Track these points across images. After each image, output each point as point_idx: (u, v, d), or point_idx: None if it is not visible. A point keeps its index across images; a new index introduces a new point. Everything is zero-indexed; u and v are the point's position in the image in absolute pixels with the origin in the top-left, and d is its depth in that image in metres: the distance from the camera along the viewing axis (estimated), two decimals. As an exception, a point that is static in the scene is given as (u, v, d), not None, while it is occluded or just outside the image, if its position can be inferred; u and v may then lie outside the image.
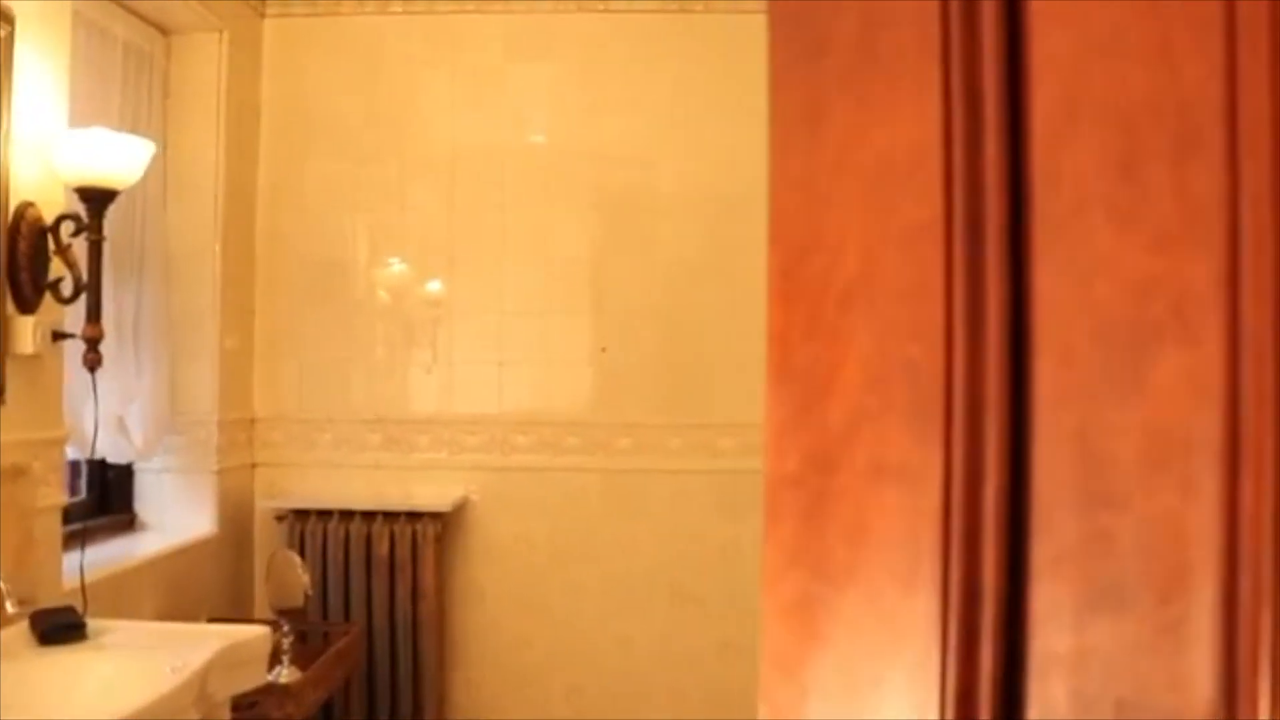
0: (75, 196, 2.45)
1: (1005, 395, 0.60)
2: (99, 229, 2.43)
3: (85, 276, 2.43)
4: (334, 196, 3.80)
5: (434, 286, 3.81)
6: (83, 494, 3.32)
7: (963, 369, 0.60)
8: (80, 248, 2.44)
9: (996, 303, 0.60)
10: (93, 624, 2.20)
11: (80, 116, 2.60)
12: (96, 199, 2.41)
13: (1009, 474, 0.59)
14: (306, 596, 3.00)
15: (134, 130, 3.21)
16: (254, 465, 3.81)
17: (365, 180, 3.79)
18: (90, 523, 3.18)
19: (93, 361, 2.43)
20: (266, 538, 3.71)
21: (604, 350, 3.73)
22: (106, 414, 3.10)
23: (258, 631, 2.31)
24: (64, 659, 2.07)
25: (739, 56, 3.65)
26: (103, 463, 3.29)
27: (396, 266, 3.84)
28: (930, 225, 0.61)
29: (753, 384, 3.44)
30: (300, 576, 2.98)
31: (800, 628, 0.62)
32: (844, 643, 0.62)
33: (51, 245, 2.39)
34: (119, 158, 2.39)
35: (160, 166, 3.39)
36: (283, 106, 3.83)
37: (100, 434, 3.03)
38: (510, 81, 3.81)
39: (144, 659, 2.07)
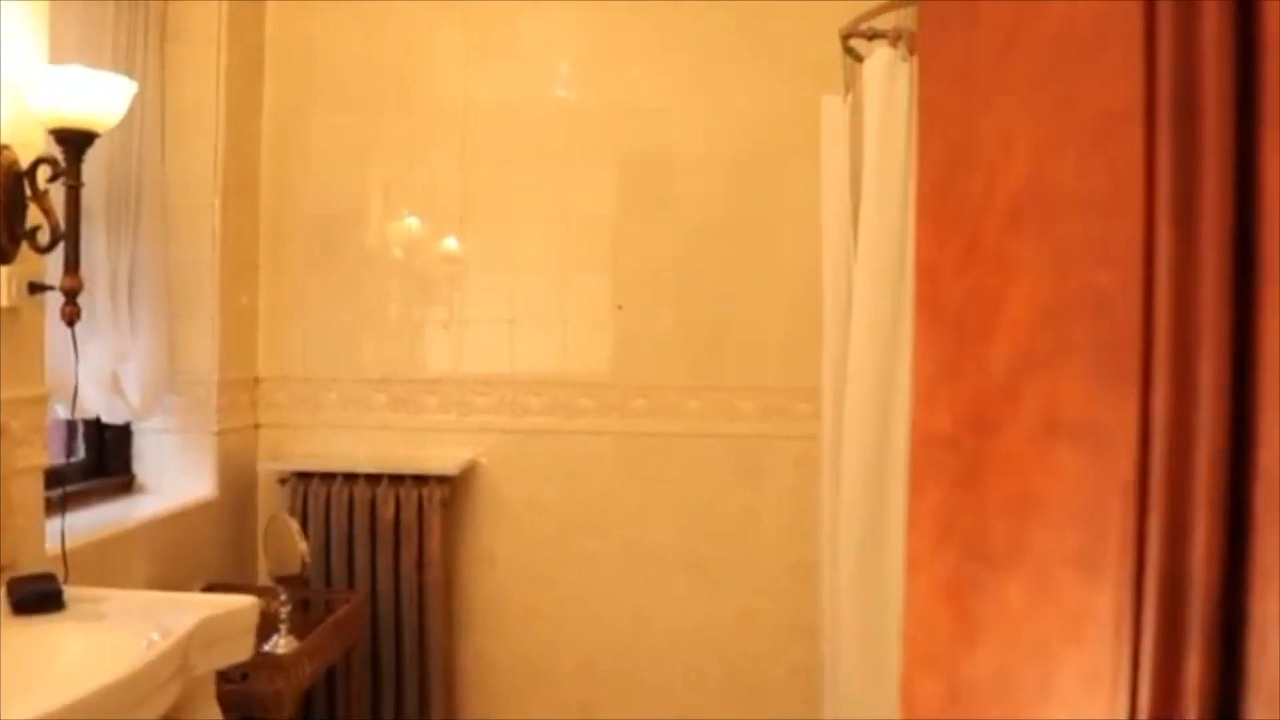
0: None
1: (1226, 331, 0.45)
2: (77, 174, 2.27)
3: (63, 225, 2.28)
4: (341, 149, 3.66)
5: (449, 243, 3.69)
6: (80, 454, 3.20)
7: (1168, 298, 0.46)
8: (59, 194, 2.29)
9: (1215, 212, 0.45)
10: (71, 592, 2.07)
11: (69, 60, 2.44)
12: (74, 141, 2.25)
13: (1229, 433, 0.45)
14: (304, 564, 2.88)
15: (129, 76, 3.07)
16: (257, 426, 3.70)
17: (374, 133, 3.66)
18: (85, 485, 3.06)
19: (70, 314, 2.29)
20: (270, 501, 3.61)
21: (620, 308, 3.62)
22: (100, 372, 2.98)
23: (245, 602, 2.18)
24: (37, 629, 1.94)
25: (769, 4, 3.52)
26: (99, 423, 3.16)
27: (406, 222, 3.72)
28: (1126, 115, 0.47)
29: (773, 346, 3.59)
30: (297, 543, 2.86)
31: (951, 617, 0.49)
32: (1004, 639, 0.49)
33: (28, 191, 2.23)
34: (97, 97, 2.23)
35: (158, 114, 3.25)
36: (287, 54, 3.67)
37: (94, 393, 2.91)
38: (525, 30, 3.67)
39: (122, 630, 1.94)
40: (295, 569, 2.95)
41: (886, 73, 2.61)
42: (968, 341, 0.50)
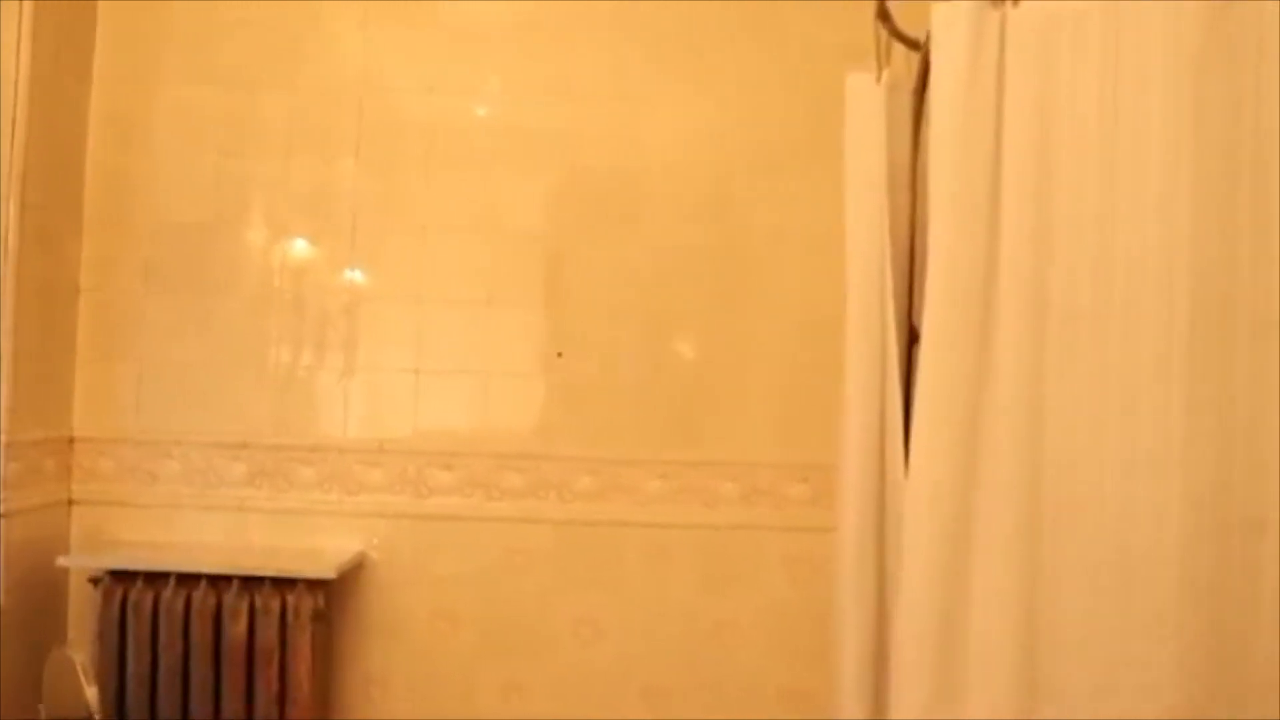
0: None
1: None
2: None
3: None
4: (196, 135, 3.04)
5: (336, 264, 3.04)
6: None
7: None
8: None
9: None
10: None
11: None
12: None
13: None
14: (91, 717, 2.04)
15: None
16: (70, 503, 2.94)
17: (242, 115, 3.05)
18: None
19: None
20: (82, 609, 2.84)
21: (560, 356, 3.05)
22: None
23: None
24: None
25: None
26: None
27: (277, 234, 3.05)
28: None
29: (761, 409, 3.03)
30: (82, 687, 2.04)
31: None
32: None
33: None
34: None
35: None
36: (128, 4, 3.04)
37: None
38: (446, -9, 3.10)
39: None
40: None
41: (971, 23, 1.92)
42: None
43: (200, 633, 2.66)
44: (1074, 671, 1.77)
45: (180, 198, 3.03)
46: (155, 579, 2.68)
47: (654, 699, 2.99)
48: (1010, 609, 1.81)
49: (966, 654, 1.86)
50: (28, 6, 2.60)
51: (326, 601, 2.77)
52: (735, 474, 3.01)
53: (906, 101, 2.35)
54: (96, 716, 2.06)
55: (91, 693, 2.07)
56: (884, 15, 2.38)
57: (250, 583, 2.70)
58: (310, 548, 2.91)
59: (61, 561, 2.75)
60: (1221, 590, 1.68)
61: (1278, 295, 1.68)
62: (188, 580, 2.68)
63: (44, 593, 2.77)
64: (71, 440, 2.94)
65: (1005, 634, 1.81)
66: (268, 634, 2.67)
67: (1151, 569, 1.70)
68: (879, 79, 2.33)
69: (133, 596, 2.65)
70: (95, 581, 2.71)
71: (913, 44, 2.34)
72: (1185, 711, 1.68)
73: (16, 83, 2.61)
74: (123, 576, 2.68)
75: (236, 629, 2.65)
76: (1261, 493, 1.68)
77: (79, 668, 2.09)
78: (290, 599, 2.69)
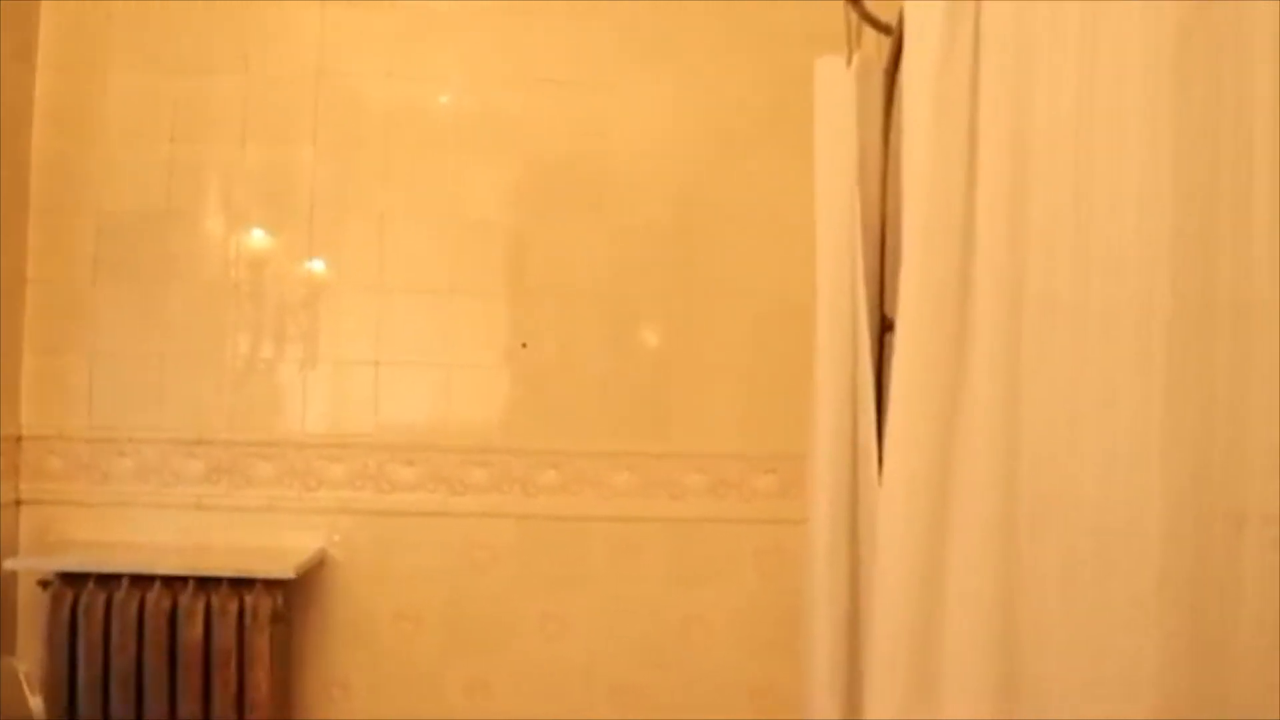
0: None
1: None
2: None
3: None
4: (147, 121, 2.93)
5: (288, 253, 2.94)
6: None
7: None
8: None
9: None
10: None
11: None
12: None
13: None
14: (36, 729, 1.97)
15: None
16: (18, 503, 2.84)
17: (193, 100, 2.94)
18: None
19: None
20: (31, 613, 2.74)
21: (524, 346, 2.96)
22: None
23: None
24: None
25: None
26: None
27: (233, 223, 2.94)
28: None
29: (729, 399, 2.96)
30: (27, 698, 1.95)
31: None
32: None
33: None
34: None
35: None
36: None
37: None
38: (403, -31, 2.98)
39: None
40: (26, 729, 2.03)
41: (945, 9, 1.85)
42: None
43: (154, 636, 2.56)
44: (1054, 668, 1.73)
45: (131, 186, 2.92)
46: (107, 581, 2.59)
47: (622, 695, 2.91)
48: (988, 605, 1.75)
49: (943, 651, 1.80)
50: (-33, -11, 2.51)
51: (286, 601, 2.68)
52: (702, 465, 2.93)
53: (878, 86, 2.29)
54: (43, 724, 1.99)
55: (36, 703, 1.98)
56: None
57: (206, 583, 2.60)
58: (269, 546, 2.81)
59: (9, 564, 2.66)
60: (1202, 584, 1.64)
61: (1257, 288, 1.65)
62: (141, 582, 2.59)
63: (-13, 595, 2.68)
64: (19, 438, 2.84)
65: (983, 631, 1.76)
66: (225, 636, 2.57)
67: (1131, 563, 1.66)
68: (849, 63, 2.26)
69: (84, 599, 2.56)
70: (45, 584, 2.62)
71: (884, 28, 2.27)
72: (1168, 711, 1.65)
73: (-44, 68, 2.52)
74: (73, 579, 2.59)
75: (192, 631, 2.55)
76: (1242, 485, 1.64)
77: (23, 678, 2.00)
78: (248, 600, 2.59)
